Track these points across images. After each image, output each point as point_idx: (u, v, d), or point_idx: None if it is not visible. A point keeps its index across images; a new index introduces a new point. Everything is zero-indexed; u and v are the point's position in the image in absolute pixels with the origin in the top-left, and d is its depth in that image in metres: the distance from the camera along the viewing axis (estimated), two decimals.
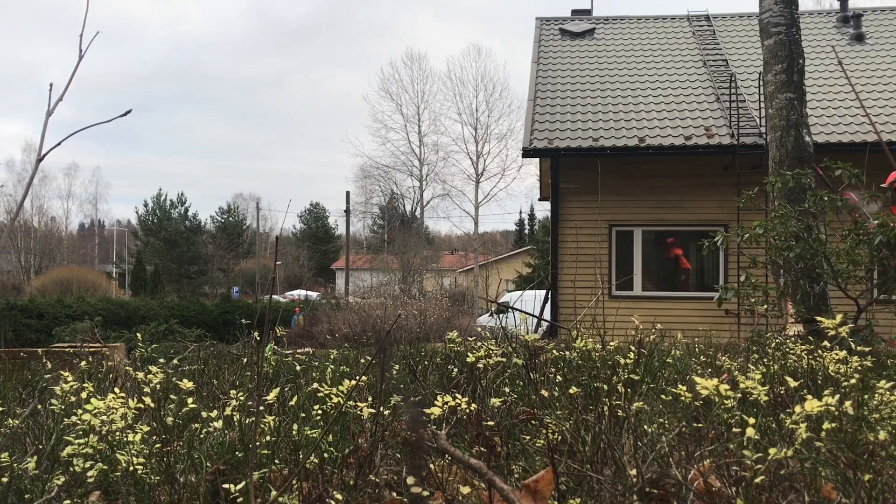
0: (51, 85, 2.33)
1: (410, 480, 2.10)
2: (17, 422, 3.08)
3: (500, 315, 6.94)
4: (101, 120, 2.53)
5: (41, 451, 2.68)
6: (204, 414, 2.77)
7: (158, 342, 9.12)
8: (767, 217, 8.12)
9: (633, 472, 2.19)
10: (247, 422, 2.82)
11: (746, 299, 8.07)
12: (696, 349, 5.77)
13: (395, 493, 2.41)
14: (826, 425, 2.13)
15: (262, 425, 2.67)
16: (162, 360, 4.49)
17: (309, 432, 2.71)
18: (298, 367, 4.96)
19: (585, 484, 2.37)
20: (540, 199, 25.98)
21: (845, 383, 2.93)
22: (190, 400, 2.91)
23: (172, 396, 3.38)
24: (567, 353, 4.05)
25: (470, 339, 5.33)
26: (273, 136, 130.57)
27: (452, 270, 59.55)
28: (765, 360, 4.28)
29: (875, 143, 12.59)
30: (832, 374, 3.37)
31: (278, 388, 3.02)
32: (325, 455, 2.49)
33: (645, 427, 2.64)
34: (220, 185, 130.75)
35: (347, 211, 50.65)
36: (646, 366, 3.67)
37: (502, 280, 29.59)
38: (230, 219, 71.54)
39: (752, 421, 2.09)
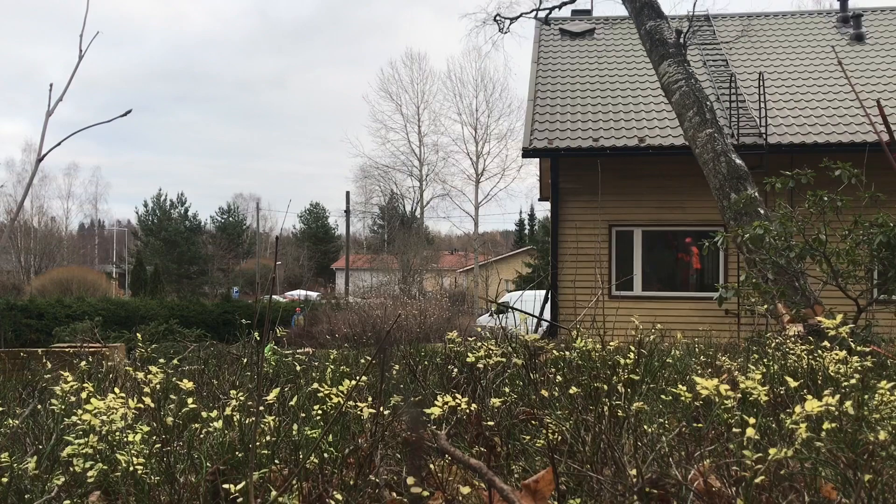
0: (51, 85, 2.33)
1: (410, 480, 2.10)
2: (17, 422, 3.08)
3: (500, 315, 6.93)
4: (101, 120, 2.53)
5: (41, 451, 2.68)
6: (204, 414, 2.77)
7: (158, 342, 9.11)
8: (727, 230, 8.41)
9: (633, 472, 2.19)
10: (247, 422, 2.82)
11: (746, 299, 8.07)
12: (696, 349, 5.77)
13: (395, 493, 2.41)
14: (826, 425, 2.13)
15: (262, 425, 2.67)
16: (162, 361, 4.49)
17: (309, 432, 2.71)
18: (298, 367, 4.96)
19: (585, 484, 2.37)
20: (540, 200, 25.96)
21: (845, 383, 2.93)
22: (190, 400, 2.91)
23: (172, 396, 3.38)
24: (567, 353, 4.04)
25: (470, 339, 5.33)
26: (273, 136, 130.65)
27: (452, 270, 59.55)
28: (765, 360, 4.28)
29: (875, 143, 12.60)
30: (832, 374, 3.36)
31: (278, 388, 3.02)
32: (325, 455, 2.49)
33: (645, 427, 2.64)
34: (220, 185, 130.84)
35: (347, 211, 50.66)
36: (646, 366, 3.67)
37: (502, 280, 29.58)
38: (230, 219, 71.50)
39: (752, 421, 2.09)
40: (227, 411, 2.93)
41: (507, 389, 3.57)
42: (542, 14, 15.76)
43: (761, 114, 14.63)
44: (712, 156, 9.53)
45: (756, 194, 8.83)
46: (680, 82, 10.35)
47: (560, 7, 16.28)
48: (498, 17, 16.85)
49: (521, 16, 16.31)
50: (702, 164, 9.79)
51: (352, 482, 2.41)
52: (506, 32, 17.26)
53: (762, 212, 8.68)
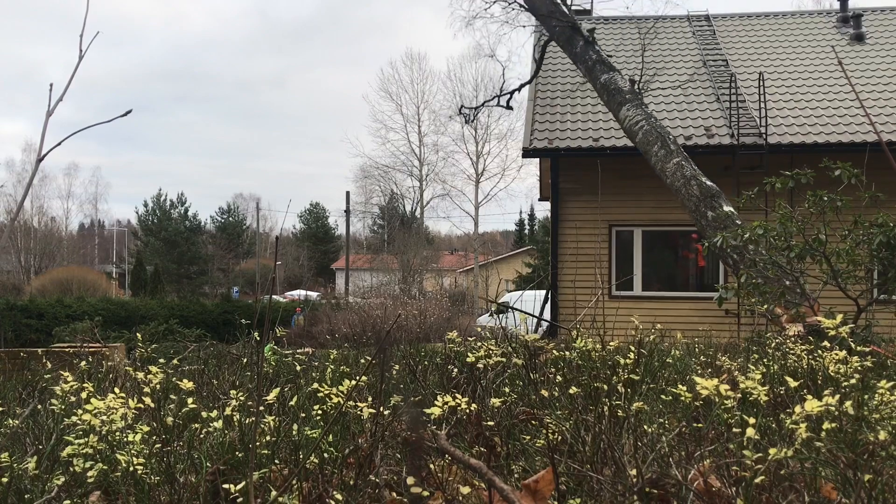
0: (51, 85, 2.33)
1: (410, 480, 2.10)
2: (17, 422, 3.08)
3: (500, 315, 6.93)
4: (101, 120, 2.53)
5: (41, 451, 2.68)
6: (204, 414, 2.77)
7: (158, 342, 9.11)
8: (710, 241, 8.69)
9: (633, 472, 2.19)
10: (247, 422, 2.82)
11: (746, 299, 8.07)
12: (696, 349, 5.77)
13: (395, 493, 2.41)
14: (826, 425, 2.13)
15: (262, 425, 2.67)
16: (162, 361, 4.49)
17: (309, 432, 2.71)
18: (298, 367, 4.96)
19: (585, 484, 2.37)
20: (540, 199, 25.96)
21: (845, 383, 2.93)
22: (190, 400, 2.91)
23: (172, 396, 3.38)
24: (567, 353, 4.04)
25: (470, 339, 5.34)
26: (273, 136, 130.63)
27: (452, 270, 59.52)
28: (765, 360, 4.28)
29: (875, 143, 12.60)
30: (832, 374, 3.36)
31: (278, 388, 3.02)
32: (325, 455, 2.49)
33: (645, 427, 2.64)
34: (220, 185, 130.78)
35: (347, 211, 50.64)
36: (646, 366, 3.67)
37: (502, 280, 29.57)
38: (230, 219, 71.50)
39: (752, 421, 2.09)
40: (227, 411, 2.93)
41: (507, 389, 3.57)
42: (503, 100, 16.24)
43: (761, 114, 14.63)
44: (683, 182, 10.01)
45: (732, 209, 9.30)
46: (641, 122, 10.84)
47: (518, 90, 16.89)
48: (462, 109, 17.90)
49: (484, 104, 17.28)
50: (674, 191, 10.23)
51: (352, 482, 2.41)
52: (472, 121, 18.36)
53: (739, 223, 9.14)
